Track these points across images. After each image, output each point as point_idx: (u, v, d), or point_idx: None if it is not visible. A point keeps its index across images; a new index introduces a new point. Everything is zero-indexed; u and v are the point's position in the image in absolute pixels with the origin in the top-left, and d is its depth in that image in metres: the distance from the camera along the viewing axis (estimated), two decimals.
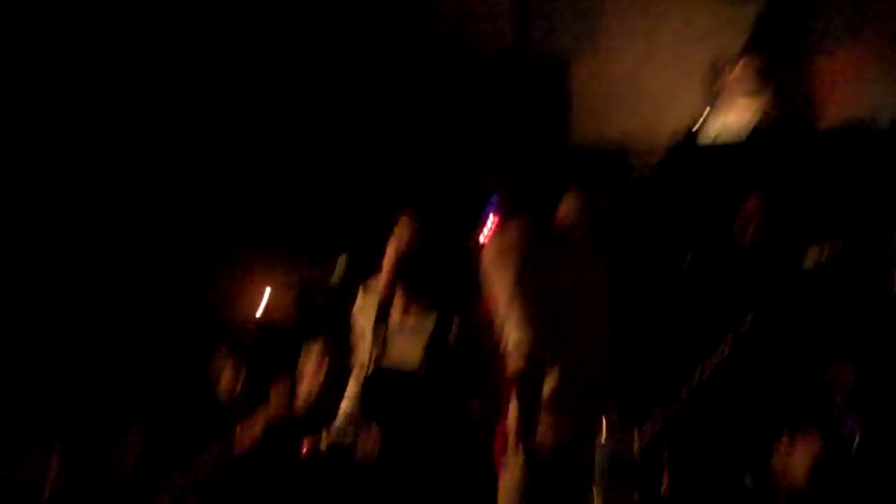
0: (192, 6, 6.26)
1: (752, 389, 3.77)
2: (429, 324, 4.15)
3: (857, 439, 3.48)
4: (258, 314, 5.47)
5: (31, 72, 5.96)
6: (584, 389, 3.75)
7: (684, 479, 3.30)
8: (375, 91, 6.31)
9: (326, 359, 4.69)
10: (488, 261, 3.81)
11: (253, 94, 6.26)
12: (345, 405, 4.33)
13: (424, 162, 6.16)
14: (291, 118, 6.31)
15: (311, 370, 4.70)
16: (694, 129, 5.30)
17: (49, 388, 4.90)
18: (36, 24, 5.99)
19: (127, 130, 6.07)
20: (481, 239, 4.63)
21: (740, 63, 5.27)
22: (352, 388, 4.34)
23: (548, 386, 3.71)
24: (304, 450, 4.22)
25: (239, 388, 5.04)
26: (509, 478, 3.71)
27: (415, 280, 4.17)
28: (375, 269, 4.23)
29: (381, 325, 4.19)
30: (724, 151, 5.16)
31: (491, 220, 4.71)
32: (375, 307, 4.22)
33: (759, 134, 5.07)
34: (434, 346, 4.09)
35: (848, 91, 5.22)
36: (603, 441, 3.11)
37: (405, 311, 4.20)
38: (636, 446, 3.17)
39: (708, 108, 5.41)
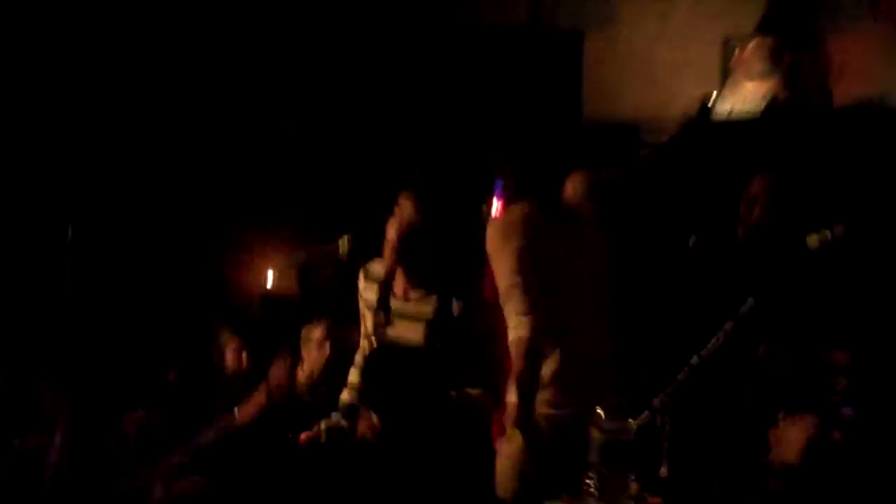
0: None
1: (753, 373, 3.78)
2: (430, 304, 4.17)
3: (853, 422, 3.49)
4: (262, 291, 5.49)
5: (36, 58, 5.98)
6: (584, 368, 3.78)
7: (682, 463, 3.32)
8: (386, 65, 6.30)
9: (328, 339, 4.72)
10: (492, 239, 3.82)
11: (260, 69, 6.25)
12: (345, 395, 4.37)
13: (433, 139, 6.15)
14: (300, 96, 6.31)
15: (313, 348, 4.73)
16: (706, 107, 5.28)
17: (52, 365, 4.95)
18: (37, 22, 5.99)
19: (132, 108, 6.09)
20: (487, 217, 4.64)
21: (753, 42, 5.24)
22: (353, 376, 4.37)
23: (548, 365, 3.73)
24: (304, 436, 4.27)
25: (242, 365, 5.08)
26: (506, 455, 3.74)
27: (416, 260, 4.17)
28: (378, 249, 4.24)
29: (383, 306, 4.20)
30: (734, 129, 5.14)
31: (497, 201, 4.72)
32: (377, 288, 4.24)
33: (769, 113, 5.05)
34: (435, 327, 4.10)
35: (860, 71, 5.19)
36: (601, 422, 3.12)
37: (406, 291, 4.22)
38: (633, 428, 3.18)
39: (720, 86, 5.39)
